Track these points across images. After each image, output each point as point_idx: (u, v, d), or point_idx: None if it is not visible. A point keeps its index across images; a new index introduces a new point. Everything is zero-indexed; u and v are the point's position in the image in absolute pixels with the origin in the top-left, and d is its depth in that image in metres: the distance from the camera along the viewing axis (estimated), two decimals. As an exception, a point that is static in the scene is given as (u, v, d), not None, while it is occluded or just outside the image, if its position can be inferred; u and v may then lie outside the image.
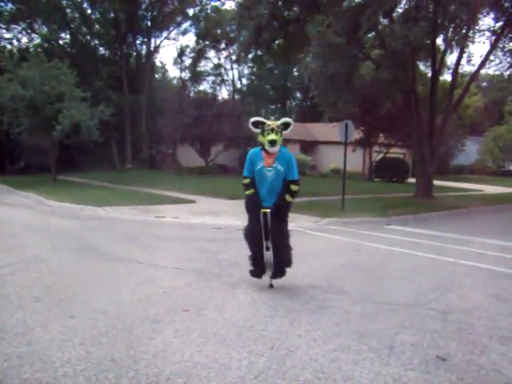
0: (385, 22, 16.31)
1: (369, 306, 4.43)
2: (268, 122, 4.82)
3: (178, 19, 37.54)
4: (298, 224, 9.91)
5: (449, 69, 21.14)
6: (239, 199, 14.04)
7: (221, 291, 4.77)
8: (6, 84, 18.81)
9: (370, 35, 16.41)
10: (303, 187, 5.35)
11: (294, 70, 43.45)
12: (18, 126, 18.77)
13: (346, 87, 15.60)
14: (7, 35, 32.04)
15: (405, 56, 14.33)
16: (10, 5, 30.48)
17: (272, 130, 4.71)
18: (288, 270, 4.79)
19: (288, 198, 4.79)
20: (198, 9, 37.88)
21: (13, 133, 19.47)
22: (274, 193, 4.80)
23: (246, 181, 4.89)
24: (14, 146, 26.10)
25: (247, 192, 4.90)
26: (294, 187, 4.82)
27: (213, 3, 38.36)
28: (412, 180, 22.17)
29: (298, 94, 53.14)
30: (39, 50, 26.42)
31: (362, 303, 4.51)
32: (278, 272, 4.93)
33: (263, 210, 4.75)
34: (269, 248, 4.83)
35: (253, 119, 4.91)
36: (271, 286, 4.98)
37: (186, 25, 39.00)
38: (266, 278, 5.25)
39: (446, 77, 23.29)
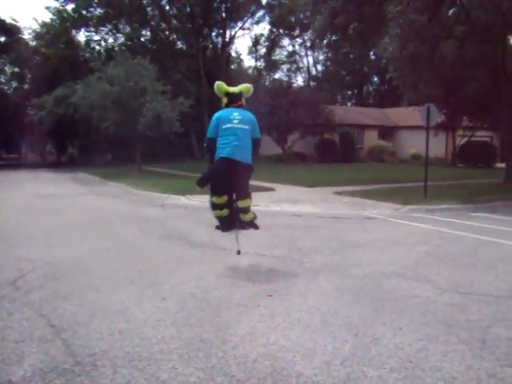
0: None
1: (457, 296, 4.24)
2: None
3: (252, 8, 37.85)
4: (378, 211, 9.71)
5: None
6: (317, 187, 14.02)
7: (303, 277, 4.81)
8: (96, 82, 20.25)
9: (452, 10, 15.47)
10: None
11: (371, 53, 42.16)
12: (106, 121, 20.10)
13: (426, 68, 14.87)
14: (96, 37, 34.74)
15: (495, 30, 13.28)
16: (98, 9, 32.88)
17: None
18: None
19: None
20: (271, -4, 37.95)
21: (101, 127, 20.90)
22: None
23: None
24: (102, 140, 27.97)
25: None
26: None
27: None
28: (501, 165, 20.72)
29: (376, 79, 51.51)
30: (123, 48, 28.00)
31: (450, 293, 4.33)
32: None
33: None
34: None
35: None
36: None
37: (259, 14, 39.36)
38: (344, 266, 5.24)
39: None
